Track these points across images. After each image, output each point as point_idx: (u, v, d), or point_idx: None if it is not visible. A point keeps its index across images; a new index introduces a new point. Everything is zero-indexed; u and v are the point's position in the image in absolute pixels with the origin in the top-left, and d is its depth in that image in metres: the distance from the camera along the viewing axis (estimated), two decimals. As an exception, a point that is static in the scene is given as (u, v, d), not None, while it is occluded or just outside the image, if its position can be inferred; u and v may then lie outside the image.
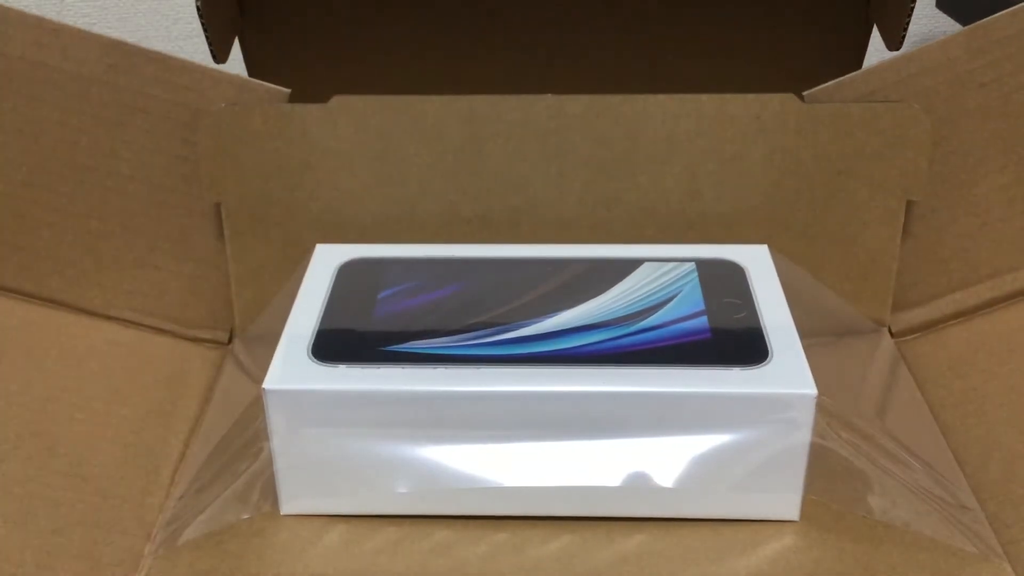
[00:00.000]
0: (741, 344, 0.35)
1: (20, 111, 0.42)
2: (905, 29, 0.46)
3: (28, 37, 0.41)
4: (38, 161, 0.42)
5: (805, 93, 0.42)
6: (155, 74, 0.42)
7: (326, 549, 0.34)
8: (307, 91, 0.43)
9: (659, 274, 0.39)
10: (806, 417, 0.33)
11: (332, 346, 0.35)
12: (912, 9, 0.45)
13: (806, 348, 0.35)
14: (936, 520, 0.35)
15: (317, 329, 0.36)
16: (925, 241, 0.44)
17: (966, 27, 0.42)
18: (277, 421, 0.34)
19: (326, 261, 0.40)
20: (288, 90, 0.42)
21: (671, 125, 0.42)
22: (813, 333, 0.36)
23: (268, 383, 0.34)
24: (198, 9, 0.44)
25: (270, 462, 0.35)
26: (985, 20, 0.41)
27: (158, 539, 0.35)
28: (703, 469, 0.34)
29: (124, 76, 0.42)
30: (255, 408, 0.37)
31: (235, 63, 0.51)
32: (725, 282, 0.38)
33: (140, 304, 0.44)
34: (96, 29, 0.43)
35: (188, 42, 0.78)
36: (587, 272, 0.39)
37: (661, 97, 0.42)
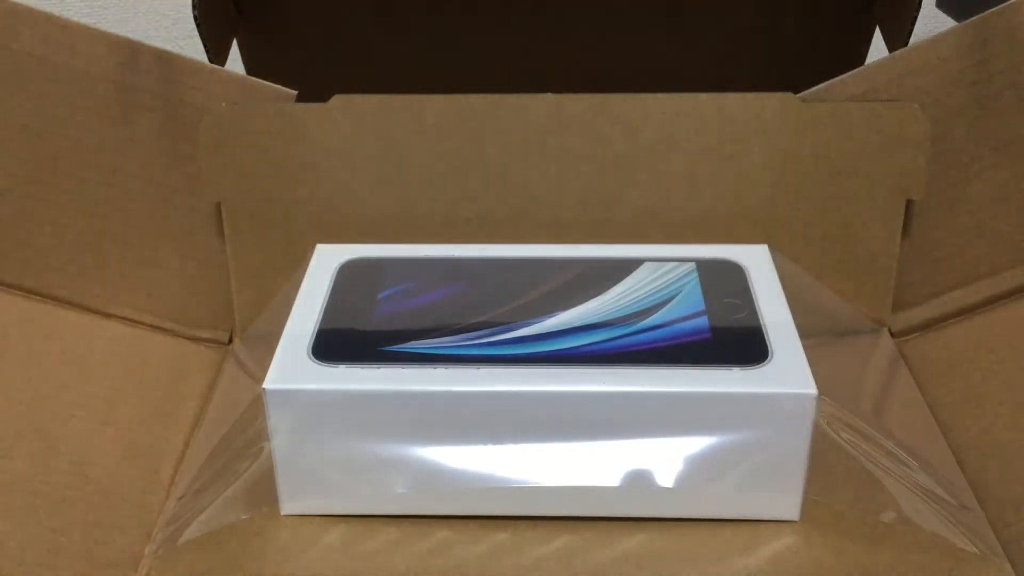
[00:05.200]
0: (741, 344, 0.35)
1: (25, 107, 0.42)
2: (910, 32, 0.46)
3: (36, 33, 0.41)
4: (42, 157, 0.42)
5: (804, 93, 0.42)
6: (162, 73, 0.42)
7: (326, 549, 0.34)
8: (307, 91, 0.43)
9: (659, 274, 0.39)
10: (806, 417, 0.33)
11: (332, 346, 0.35)
12: (917, 12, 0.45)
13: (806, 348, 0.35)
14: (936, 520, 0.35)
15: (317, 329, 0.36)
16: (924, 240, 0.44)
17: (956, 25, 0.42)
18: (277, 421, 0.34)
19: (326, 261, 0.40)
20: (295, 91, 0.42)
21: (671, 125, 0.42)
22: (813, 333, 0.36)
23: (268, 383, 0.34)
24: (195, 17, 0.44)
25: (270, 462, 0.35)
26: (974, 18, 0.41)
27: (158, 539, 0.35)
28: (703, 469, 0.34)
29: (131, 74, 0.42)
30: (255, 408, 0.37)
31: (235, 64, 0.51)
32: (725, 282, 0.38)
33: (141, 303, 0.44)
34: (96, 28, 0.43)
35: (188, 42, 0.78)
36: (587, 272, 0.39)
37: (661, 97, 0.42)
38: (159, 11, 0.80)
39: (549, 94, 0.42)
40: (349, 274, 0.39)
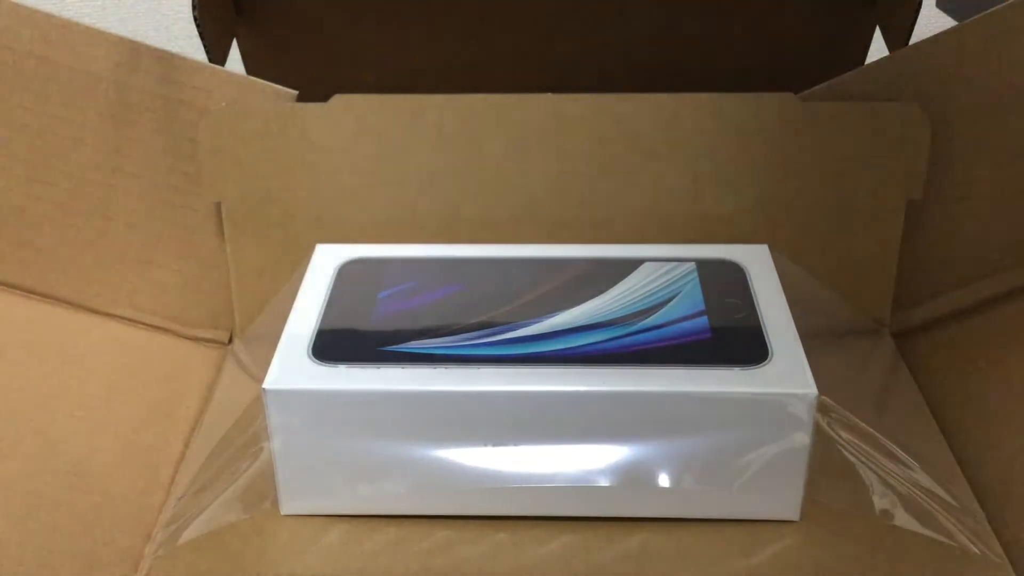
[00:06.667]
0: (741, 344, 0.35)
1: (26, 106, 0.42)
2: (910, 32, 0.46)
3: (36, 33, 0.41)
4: (42, 157, 0.42)
5: (804, 93, 0.42)
6: (163, 73, 0.42)
7: (326, 549, 0.34)
8: (307, 91, 0.43)
9: (659, 274, 0.39)
10: (806, 417, 0.33)
11: (332, 346, 0.35)
12: (917, 12, 0.45)
13: (806, 348, 0.35)
14: (936, 520, 0.35)
15: (317, 329, 0.36)
16: (924, 240, 0.44)
17: (956, 25, 0.42)
18: (277, 421, 0.34)
19: (326, 261, 0.40)
20: (295, 91, 0.42)
21: (671, 125, 0.42)
22: (813, 333, 0.36)
23: (268, 383, 0.34)
24: (195, 17, 0.44)
25: (270, 462, 0.35)
26: (974, 18, 0.41)
27: (158, 539, 0.35)
28: (703, 469, 0.34)
29: (131, 74, 0.42)
30: (255, 408, 0.37)
31: (235, 64, 0.51)
32: (725, 282, 0.38)
33: (141, 303, 0.44)
34: (95, 29, 0.43)
35: (188, 42, 0.78)
36: (587, 272, 0.39)
37: (661, 97, 0.42)
38: (159, 11, 0.80)
39: (549, 94, 0.42)
40: (349, 274, 0.39)
